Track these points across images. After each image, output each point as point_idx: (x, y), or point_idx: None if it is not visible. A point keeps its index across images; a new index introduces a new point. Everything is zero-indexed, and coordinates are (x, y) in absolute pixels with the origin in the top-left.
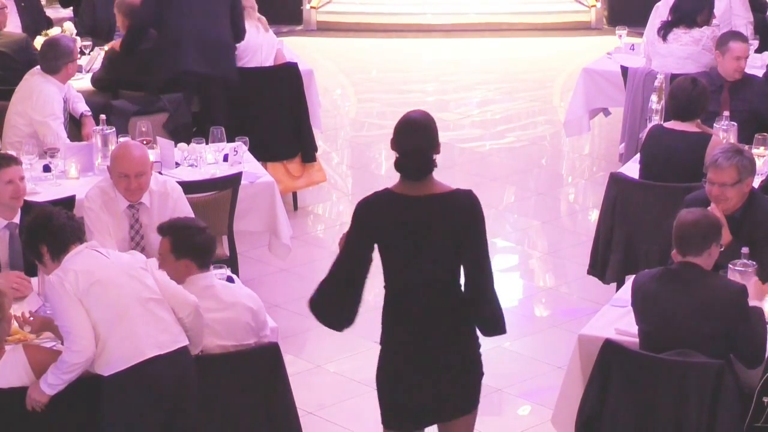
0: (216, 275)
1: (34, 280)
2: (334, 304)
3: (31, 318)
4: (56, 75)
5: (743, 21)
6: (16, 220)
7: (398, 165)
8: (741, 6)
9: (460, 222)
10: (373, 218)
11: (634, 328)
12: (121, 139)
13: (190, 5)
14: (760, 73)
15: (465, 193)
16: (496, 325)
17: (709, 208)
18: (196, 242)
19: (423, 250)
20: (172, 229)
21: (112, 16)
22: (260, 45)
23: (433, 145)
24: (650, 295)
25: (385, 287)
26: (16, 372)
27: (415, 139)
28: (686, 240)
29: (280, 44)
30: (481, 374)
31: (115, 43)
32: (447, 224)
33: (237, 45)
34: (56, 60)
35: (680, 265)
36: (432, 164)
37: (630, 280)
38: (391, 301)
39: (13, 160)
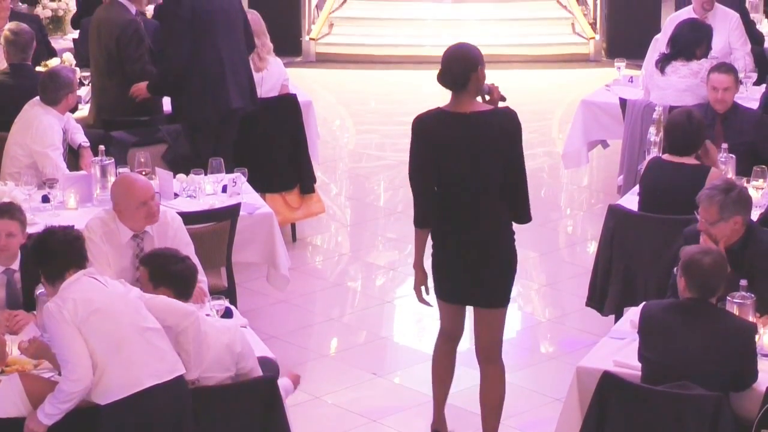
0: (214, 306)
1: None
2: (425, 214)
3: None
4: (56, 106)
5: (741, 53)
6: (15, 266)
7: (439, 77)
8: (739, 39)
9: (503, 134)
10: (427, 130)
11: (633, 360)
12: (121, 170)
13: (219, 39)
14: (755, 105)
15: (505, 110)
16: (525, 215)
17: (701, 239)
18: (172, 271)
19: (470, 159)
20: (150, 259)
21: None
22: (260, 80)
23: (472, 67)
24: (660, 325)
25: (439, 193)
26: (13, 402)
27: (453, 58)
28: (708, 285)
29: (286, 80)
30: (515, 273)
31: (141, 85)
32: (491, 136)
33: None
34: (56, 91)
35: (692, 299)
36: (467, 80)
37: (629, 312)
38: (444, 206)
39: (6, 213)
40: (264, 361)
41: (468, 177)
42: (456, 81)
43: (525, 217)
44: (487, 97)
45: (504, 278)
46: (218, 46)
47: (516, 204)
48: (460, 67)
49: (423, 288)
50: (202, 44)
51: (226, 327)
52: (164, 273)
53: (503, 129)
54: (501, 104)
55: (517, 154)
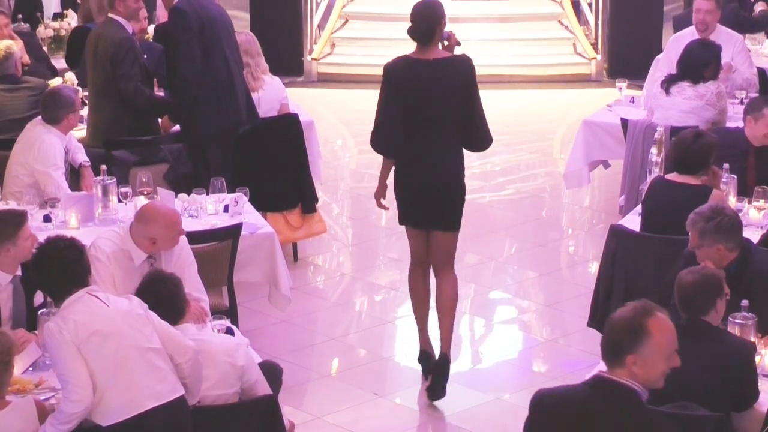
0: (215, 326)
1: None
2: (384, 142)
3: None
4: (57, 125)
5: (746, 74)
6: (20, 272)
7: (409, 31)
8: (744, 61)
9: (459, 76)
10: (396, 74)
11: None
12: (123, 190)
13: (225, 49)
14: None
15: (462, 57)
16: (479, 141)
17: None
18: (163, 297)
19: (431, 98)
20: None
21: None
22: (257, 100)
23: (437, 23)
24: None
25: (404, 129)
26: (25, 424)
27: (421, 16)
28: (691, 303)
29: (285, 98)
30: (464, 203)
31: (164, 120)
32: (449, 78)
33: None
34: (57, 110)
35: (689, 320)
36: (433, 34)
37: None
38: (409, 137)
39: (25, 215)
40: (268, 366)
41: (429, 113)
42: (424, 35)
43: (478, 143)
44: (446, 43)
45: (458, 206)
46: (225, 56)
47: (469, 133)
48: (427, 22)
49: (382, 199)
50: (211, 55)
51: (227, 343)
52: (148, 297)
53: (459, 72)
54: (457, 50)
55: (471, 93)
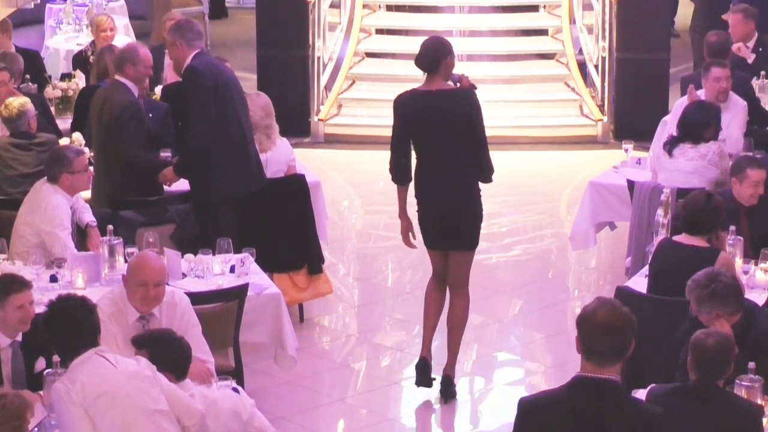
0: (221, 386)
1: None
2: (397, 170)
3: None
4: (57, 183)
5: (736, 136)
6: (20, 338)
7: (416, 61)
8: (740, 127)
9: (460, 107)
10: (403, 106)
11: None
12: (129, 250)
13: (238, 109)
14: None
15: (466, 90)
16: (486, 177)
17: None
18: (173, 354)
19: (434, 127)
20: (149, 342)
21: None
22: (265, 161)
23: (442, 55)
24: (666, 409)
25: (417, 159)
26: None
27: (427, 48)
28: (711, 367)
29: (293, 160)
30: (481, 221)
31: (167, 172)
32: (450, 109)
33: None
34: (51, 167)
35: (702, 383)
36: (438, 64)
37: (636, 395)
38: (421, 168)
39: (24, 285)
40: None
41: (437, 141)
42: (429, 65)
43: (486, 179)
44: (458, 84)
45: (476, 226)
46: (238, 118)
47: (479, 168)
48: (432, 55)
49: (410, 234)
50: (224, 115)
51: (228, 395)
52: (167, 357)
53: (461, 101)
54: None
55: (475, 125)
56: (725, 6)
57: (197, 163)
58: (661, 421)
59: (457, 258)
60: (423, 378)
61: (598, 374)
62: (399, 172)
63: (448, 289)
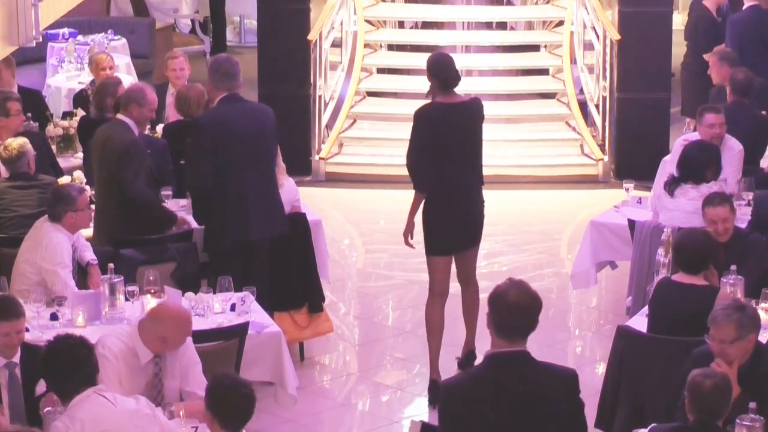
0: None
1: None
2: (419, 178)
3: None
4: (60, 223)
5: (731, 180)
6: (16, 359)
7: (440, 78)
8: (735, 171)
9: (476, 116)
10: (428, 117)
11: None
12: (130, 288)
13: (244, 168)
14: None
15: (476, 100)
16: (480, 179)
17: (713, 363)
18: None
19: (458, 136)
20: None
21: None
22: None
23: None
24: None
25: (437, 166)
26: None
27: (446, 62)
28: (711, 408)
29: (297, 200)
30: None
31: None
32: (470, 118)
33: None
34: (55, 206)
35: (701, 424)
36: (459, 78)
37: None
38: (437, 176)
39: (13, 314)
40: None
41: (459, 150)
42: (455, 80)
43: (482, 179)
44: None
45: (482, 223)
46: (242, 176)
47: (480, 170)
48: (455, 69)
49: (409, 235)
50: (225, 174)
51: None
52: (218, 403)
53: (478, 112)
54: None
55: (480, 132)
56: (711, 46)
57: (197, 210)
58: (577, 378)
59: (467, 255)
60: (436, 397)
61: (510, 348)
62: (423, 180)
63: (459, 281)
